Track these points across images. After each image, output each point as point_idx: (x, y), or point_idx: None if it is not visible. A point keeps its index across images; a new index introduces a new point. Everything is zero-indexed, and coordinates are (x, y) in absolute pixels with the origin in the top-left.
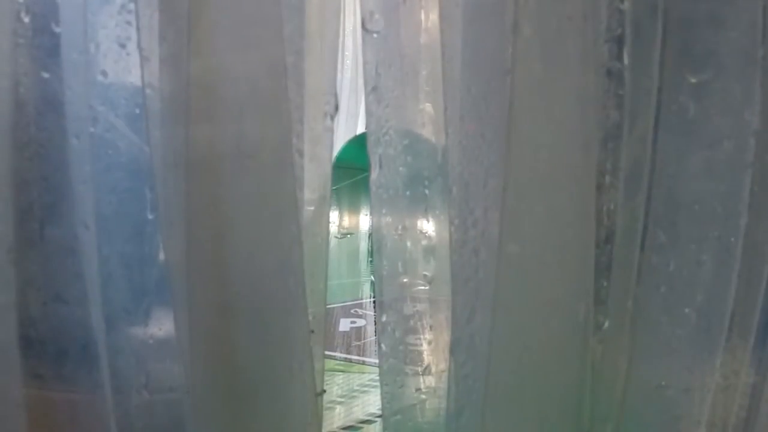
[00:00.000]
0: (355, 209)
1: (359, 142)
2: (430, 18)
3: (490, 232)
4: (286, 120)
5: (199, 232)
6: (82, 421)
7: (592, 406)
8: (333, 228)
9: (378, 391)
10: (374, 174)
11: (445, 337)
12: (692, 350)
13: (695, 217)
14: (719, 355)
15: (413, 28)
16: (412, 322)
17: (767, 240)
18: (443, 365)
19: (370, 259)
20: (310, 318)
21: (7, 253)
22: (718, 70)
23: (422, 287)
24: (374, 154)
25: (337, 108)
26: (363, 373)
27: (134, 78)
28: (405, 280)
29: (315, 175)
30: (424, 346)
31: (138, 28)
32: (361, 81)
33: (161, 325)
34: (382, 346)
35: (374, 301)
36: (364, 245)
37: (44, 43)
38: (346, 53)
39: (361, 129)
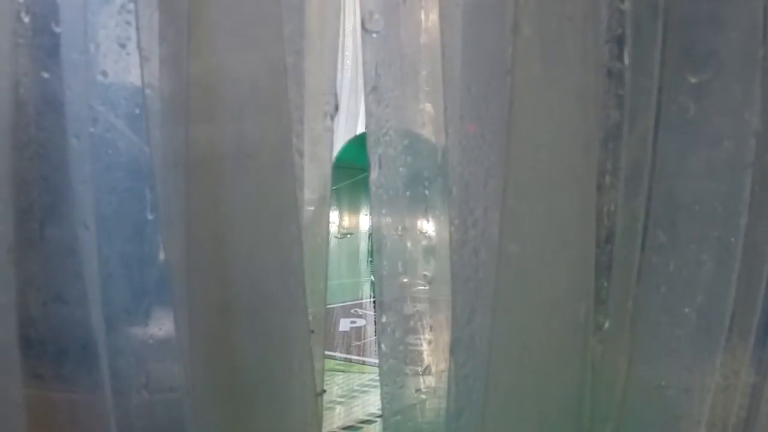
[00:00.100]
0: (355, 209)
1: (359, 142)
2: (430, 18)
3: (490, 232)
4: (286, 120)
5: (199, 232)
6: (82, 421)
7: (592, 406)
8: (333, 228)
9: (378, 391)
10: (374, 174)
11: (445, 337)
12: (692, 350)
13: (695, 217)
14: (719, 355)
15: (413, 28)
16: (412, 323)
17: (767, 240)
18: (443, 365)
19: (370, 259)
20: (310, 318)
21: (7, 253)
22: (718, 70)
23: (422, 287)
24: (374, 154)
25: (337, 108)
26: (363, 373)
27: (134, 78)
28: (405, 280)
29: (315, 175)
30: (424, 346)
31: (138, 28)
32: (361, 81)
33: (161, 325)
34: (382, 346)
35: (374, 301)
36: (364, 245)
37: (44, 43)
38: (346, 53)
39: (361, 129)
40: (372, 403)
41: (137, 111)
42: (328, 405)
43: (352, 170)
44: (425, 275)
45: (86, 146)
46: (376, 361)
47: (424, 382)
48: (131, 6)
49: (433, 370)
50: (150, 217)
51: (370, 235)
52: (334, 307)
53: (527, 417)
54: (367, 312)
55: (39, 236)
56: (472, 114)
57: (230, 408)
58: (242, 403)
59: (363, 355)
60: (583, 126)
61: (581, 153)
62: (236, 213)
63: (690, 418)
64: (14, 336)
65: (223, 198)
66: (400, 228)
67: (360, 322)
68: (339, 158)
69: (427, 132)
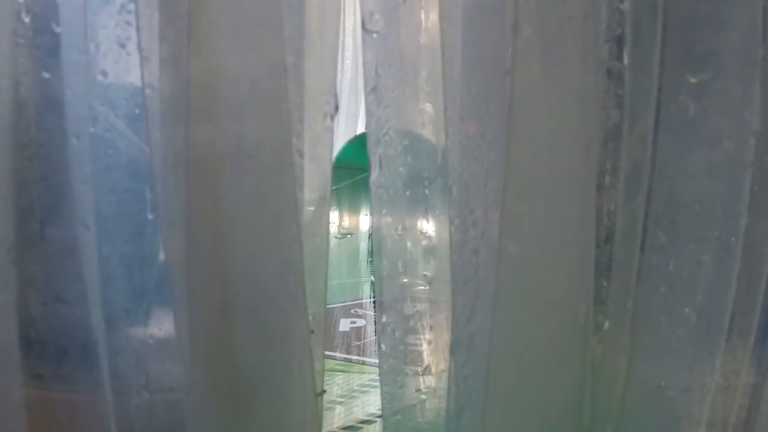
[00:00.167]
0: (355, 209)
1: (359, 142)
2: (430, 18)
3: (490, 233)
4: (286, 120)
5: (199, 232)
6: (82, 421)
7: (592, 406)
8: (333, 228)
9: (378, 391)
10: (374, 174)
11: (445, 338)
12: (692, 350)
13: (695, 217)
14: (719, 355)
15: (413, 28)
16: (412, 323)
17: (767, 240)
18: (443, 365)
19: (370, 259)
20: (310, 318)
21: (7, 253)
22: (718, 70)
23: (422, 287)
24: (374, 154)
25: (337, 108)
26: (363, 373)
27: (134, 78)
28: (405, 280)
29: (315, 175)
30: (424, 347)
31: (138, 28)
32: (361, 81)
33: (161, 326)
34: (382, 346)
35: (374, 301)
36: (364, 245)
37: (44, 43)
38: (346, 53)
39: (361, 129)
40: (372, 403)
41: (137, 111)
42: (328, 405)
43: (352, 170)
44: (425, 275)
45: (86, 146)
46: (376, 361)
47: (424, 382)
48: (131, 6)
49: (433, 370)
50: (150, 217)
51: (370, 235)
52: (334, 307)
53: (527, 417)
54: (367, 312)
55: (39, 236)
56: (472, 114)
57: (230, 408)
58: (242, 403)
59: (363, 355)
60: (583, 126)
61: (581, 153)
62: (236, 213)
63: (690, 418)
64: (14, 336)
65: (222, 198)
66: (400, 228)
67: (360, 322)
68: (339, 158)
69: (427, 132)
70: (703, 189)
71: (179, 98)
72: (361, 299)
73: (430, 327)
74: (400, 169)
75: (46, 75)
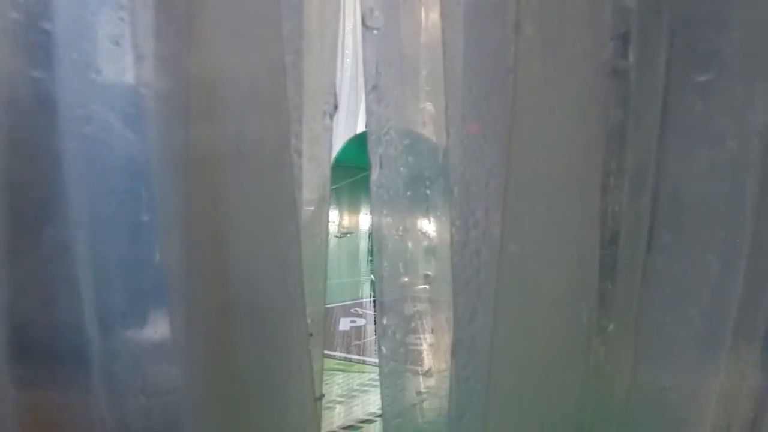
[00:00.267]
0: (354, 208)
1: (359, 142)
2: (430, 16)
3: (492, 233)
4: (285, 119)
5: (196, 233)
6: (78, 425)
7: (595, 407)
8: (333, 227)
9: (378, 390)
10: (375, 174)
11: (446, 338)
12: (697, 352)
13: (701, 218)
14: (724, 356)
15: (414, 26)
16: (412, 323)
17: None
18: (444, 366)
19: (369, 258)
20: (309, 319)
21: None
22: (724, 69)
23: (423, 287)
24: (375, 153)
25: (336, 107)
26: (363, 372)
27: (129, 77)
28: (405, 280)
29: (314, 174)
30: (425, 347)
31: (133, 26)
32: (361, 80)
33: (158, 328)
34: (383, 346)
35: (374, 301)
36: (363, 244)
37: (36, 41)
38: (346, 52)
39: (361, 128)
40: (372, 402)
41: (133, 110)
42: (328, 405)
43: (352, 169)
44: (426, 275)
45: (80, 147)
46: (376, 360)
47: (424, 382)
48: (125, 2)
49: (434, 370)
50: (147, 218)
51: (370, 234)
52: (334, 307)
53: (529, 419)
54: (367, 311)
55: (33, 238)
56: (474, 113)
57: (227, 412)
58: (240, 406)
59: (363, 355)
60: (587, 126)
61: (584, 153)
62: (234, 213)
63: (694, 420)
64: (8, 339)
65: (221, 198)
66: (400, 228)
67: (360, 322)
68: (339, 158)
69: (428, 131)
70: (709, 189)
71: (176, 98)
72: (361, 298)
73: (431, 328)
74: (401, 169)
75: (38, 74)
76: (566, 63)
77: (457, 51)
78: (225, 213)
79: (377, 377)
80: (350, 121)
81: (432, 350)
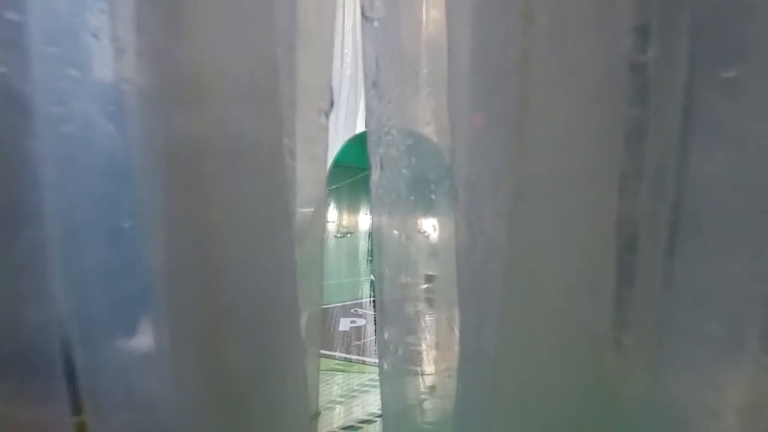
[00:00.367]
0: (354, 209)
1: (359, 142)
2: (434, 7)
3: (500, 240)
4: (278, 117)
5: (183, 239)
6: None
7: (609, 425)
8: (333, 227)
9: (378, 390)
10: (375, 175)
11: (446, 338)
12: (720, 368)
13: (725, 224)
14: (750, 373)
15: (416, 17)
16: (412, 323)
17: None
18: (443, 365)
19: (369, 258)
20: (306, 319)
21: None
22: (753, 64)
23: (423, 287)
24: (375, 154)
25: (332, 105)
26: (363, 372)
27: (109, 72)
28: (405, 280)
29: (311, 175)
30: (425, 347)
31: (113, 18)
32: (361, 78)
33: (144, 340)
34: (382, 347)
35: (374, 301)
36: (363, 244)
37: (4, 34)
38: (346, 50)
39: (360, 128)
40: (372, 402)
41: (114, 108)
42: (328, 405)
43: (352, 169)
44: (427, 276)
45: (58, 147)
46: (376, 360)
47: (424, 382)
48: None
49: (433, 370)
50: (129, 224)
51: (369, 234)
52: (334, 307)
53: None
54: (367, 311)
55: (8, 244)
56: (481, 111)
57: (218, 428)
58: (231, 423)
59: (363, 355)
60: (602, 124)
61: (600, 154)
62: (223, 219)
63: None
64: None
65: (209, 202)
66: (401, 228)
67: (360, 322)
68: (339, 158)
69: (432, 131)
70: (734, 194)
71: (160, 94)
72: (361, 299)
73: (431, 328)
74: (403, 171)
75: (4, 69)
76: (581, 57)
77: (463, 43)
78: (213, 218)
79: (377, 377)
80: (350, 121)
81: (432, 350)
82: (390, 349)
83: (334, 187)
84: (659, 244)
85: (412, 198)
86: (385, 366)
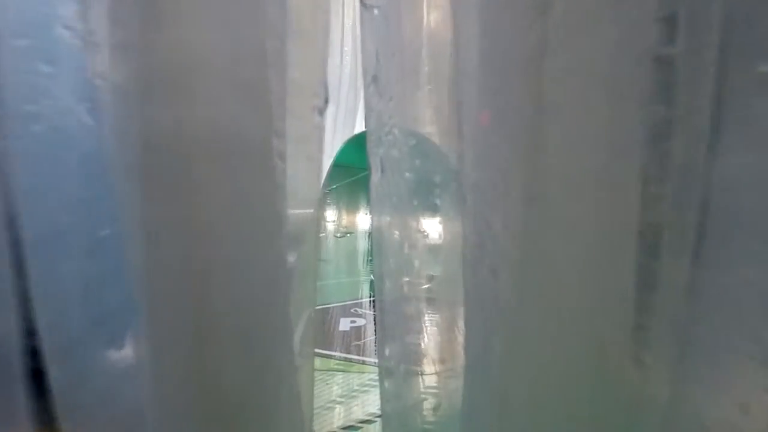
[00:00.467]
0: (353, 208)
1: (358, 143)
2: None
3: (510, 247)
4: (267, 113)
5: (165, 244)
6: None
7: None
8: (332, 227)
9: (378, 390)
10: (375, 177)
11: (446, 338)
12: (747, 384)
13: (755, 231)
14: None
15: (418, 6)
16: (412, 323)
17: None
18: (443, 365)
19: (369, 258)
20: (305, 319)
21: None
22: None
23: (423, 287)
24: (375, 155)
25: (326, 102)
26: (363, 372)
27: (84, 67)
28: (406, 280)
29: (306, 175)
30: (425, 347)
31: (84, 10)
32: (361, 75)
33: (126, 354)
34: (382, 346)
35: (374, 301)
36: (363, 244)
37: None
38: (345, 49)
39: (360, 127)
40: (372, 402)
41: (88, 105)
42: (328, 405)
43: (352, 169)
44: (428, 276)
45: (28, 147)
46: (376, 360)
47: (423, 382)
48: None
49: (433, 370)
50: (107, 231)
51: (369, 233)
52: (333, 307)
53: None
54: (367, 311)
55: None
56: (490, 110)
57: None
58: None
59: (363, 355)
60: (623, 123)
61: (620, 155)
62: (210, 222)
63: None
64: None
65: (192, 204)
66: (401, 229)
67: (360, 322)
68: (338, 159)
69: (435, 130)
70: (764, 198)
71: (135, 89)
72: (361, 299)
73: (431, 327)
74: (407, 174)
75: None
76: (599, 49)
77: (471, 35)
78: (197, 221)
79: (377, 377)
80: (349, 120)
81: (432, 350)
82: (390, 348)
83: (334, 187)
84: (685, 253)
85: (414, 202)
86: (385, 366)
